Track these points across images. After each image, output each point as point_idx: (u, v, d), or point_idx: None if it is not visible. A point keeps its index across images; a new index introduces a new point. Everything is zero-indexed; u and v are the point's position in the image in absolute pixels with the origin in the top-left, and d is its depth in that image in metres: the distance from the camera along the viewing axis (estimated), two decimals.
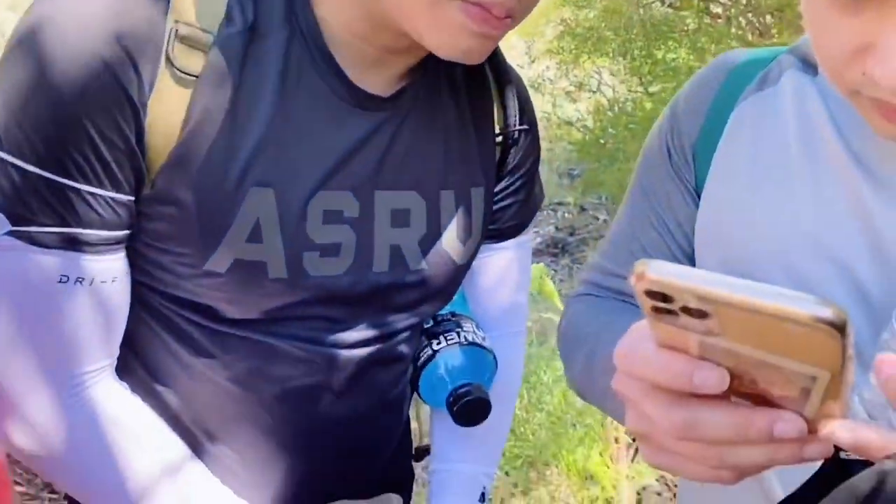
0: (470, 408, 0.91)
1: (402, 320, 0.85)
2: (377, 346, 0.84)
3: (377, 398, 0.87)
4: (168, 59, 0.68)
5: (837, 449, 0.47)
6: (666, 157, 0.76)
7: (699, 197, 0.73)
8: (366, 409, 0.86)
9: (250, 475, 0.83)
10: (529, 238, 1.01)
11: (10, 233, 0.67)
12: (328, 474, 0.87)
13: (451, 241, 0.84)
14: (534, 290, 2.53)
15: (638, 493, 2.32)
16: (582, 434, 2.48)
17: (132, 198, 0.71)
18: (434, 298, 0.86)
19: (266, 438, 0.82)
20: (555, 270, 3.97)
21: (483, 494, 0.98)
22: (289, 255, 0.75)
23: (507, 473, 2.39)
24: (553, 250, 4.26)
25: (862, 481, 0.41)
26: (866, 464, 0.44)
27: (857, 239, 0.62)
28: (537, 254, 4.16)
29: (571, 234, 4.39)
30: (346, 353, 0.82)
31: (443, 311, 0.97)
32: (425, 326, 0.96)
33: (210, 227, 0.72)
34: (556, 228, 4.48)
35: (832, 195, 0.63)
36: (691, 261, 0.75)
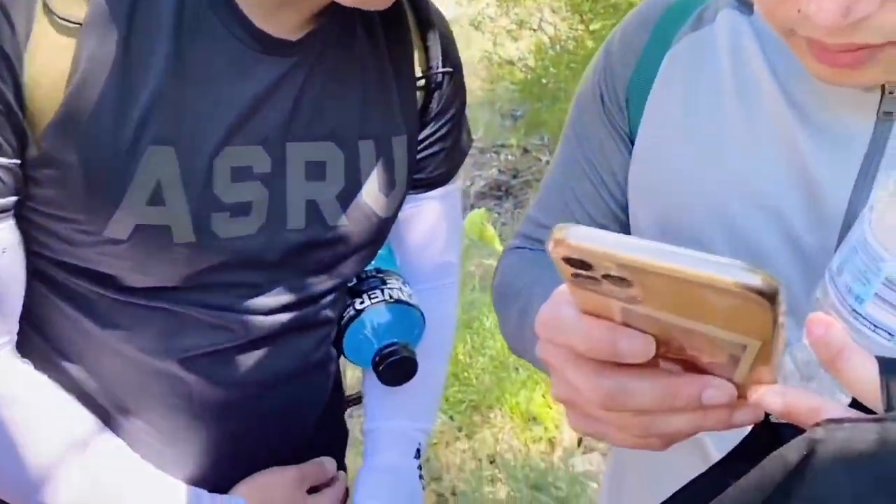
0: (396, 368, 0.89)
1: (323, 281, 0.80)
2: (298, 310, 0.79)
3: (299, 364, 0.83)
4: (45, 6, 0.62)
5: (768, 413, 0.45)
6: (598, 101, 0.72)
7: (633, 144, 0.70)
8: (287, 376, 0.82)
9: (168, 448, 0.79)
10: (459, 186, 0.97)
11: None
12: (251, 443, 0.83)
13: (372, 193, 0.80)
14: (475, 236, 2.51)
15: None
16: (524, 377, 2.49)
17: (16, 161, 0.64)
18: (357, 255, 0.82)
19: (183, 410, 0.78)
20: (498, 213, 3.94)
21: (419, 451, 0.96)
22: (195, 218, 0.70)
23: (451, 418, 2.40)
24: (496, 193, 4.22)
25: (791, 451, 0.39)
26: (798, 427, 0.42)
27: (791, 187, 0.60)
28: (480, 197, 4.13)
29: (515, 177, 4.35)
30: (263, 320, 0.77)
31: (367, 267, 0.93)
32: (348, 284, 0.91)
33: (105, 191, 0.66)
34: (499, 171, 4.43)
35: (766, 140, 0.61)
36: (626, 211, 0.72)
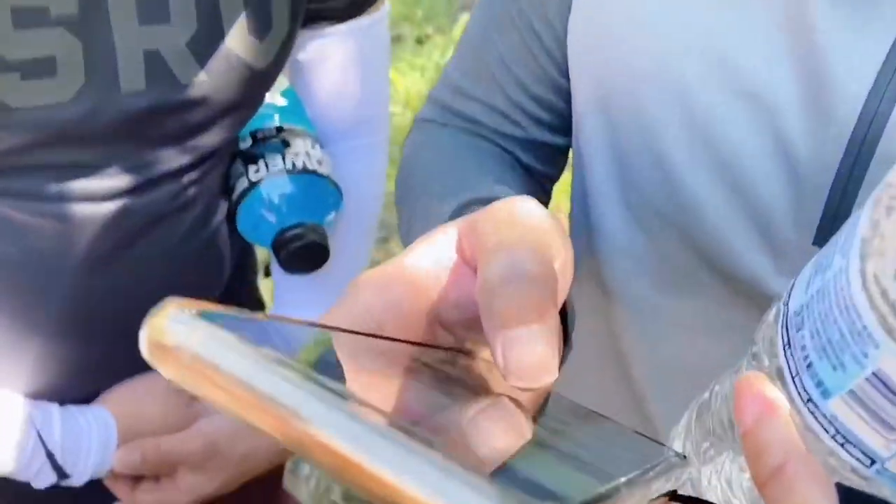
0: (301, 254, 0.72)
1: (177, 156, 0.61)
2: (145, 194, 0.61)
3: (163, 258, 0.65)
4: None
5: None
6: None
7: None
8: (146, 275, 0.64)
9: (5, 362, 0.63)
10: (382, 16, 0.75)
11: None
12: (124, 350, 0.68)
13: (240, 37, 0.59)
14: None
15: None
16: None
17: None
18: (224, 121, 0.62)
19: (17, 322, 0.61)
20: None
21: None
22: None
23: None
24: None
25: None
26: None
27: (785, 65, 0.41)
28: (467, 8, 3.76)
29: None
30: (96, 208, 0.59)
31: (265, 125, 0.73)
32: (241, 147, 0.72)
33: None
34: None
35: None
36: (566, 77, 0.51)
